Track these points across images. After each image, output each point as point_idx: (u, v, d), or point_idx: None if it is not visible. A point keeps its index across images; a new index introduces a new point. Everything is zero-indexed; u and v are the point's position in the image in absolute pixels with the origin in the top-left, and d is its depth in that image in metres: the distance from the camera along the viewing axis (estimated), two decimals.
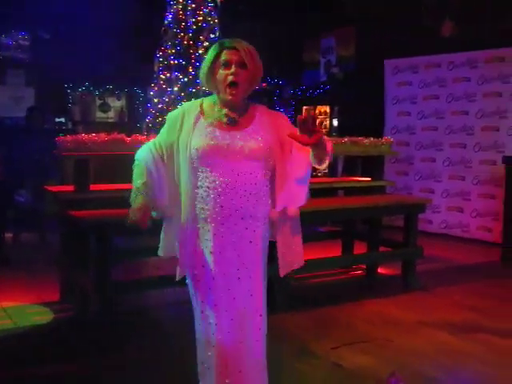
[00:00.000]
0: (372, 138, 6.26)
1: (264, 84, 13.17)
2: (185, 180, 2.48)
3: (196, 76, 8.57)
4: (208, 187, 2.44)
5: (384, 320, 4.77)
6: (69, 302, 4.89)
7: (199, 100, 2.61)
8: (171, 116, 2.58)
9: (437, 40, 8.99)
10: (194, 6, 8.68)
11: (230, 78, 2.43)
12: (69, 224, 4.78)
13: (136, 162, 2.55)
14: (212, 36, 8.77)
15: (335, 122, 11.44)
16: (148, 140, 5.37)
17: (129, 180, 2.51)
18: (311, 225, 6.81)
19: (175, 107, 2.76)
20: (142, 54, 9.41)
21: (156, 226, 2.53)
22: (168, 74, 8.62)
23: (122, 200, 2.68)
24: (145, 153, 2.55)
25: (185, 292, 2.65)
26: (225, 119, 2.48)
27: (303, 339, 4.26)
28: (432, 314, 4.95)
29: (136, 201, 2.43)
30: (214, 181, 2.43)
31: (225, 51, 2.46)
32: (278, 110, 12.57)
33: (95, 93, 11.94)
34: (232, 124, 2.47)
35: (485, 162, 8.23)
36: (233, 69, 2.43)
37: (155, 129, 8.37)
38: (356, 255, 6.27)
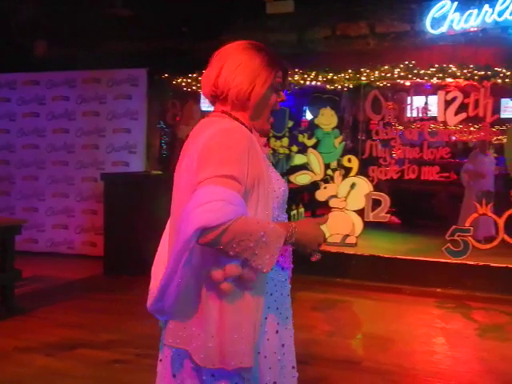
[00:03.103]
0: None
1: None
2: None
3: None
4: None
5: None
6: None
7: (230, 118, 1.84)
8: (245, 146, 1.72)
9: (36, 58, 8.93)
10: None
11: (277, 106, 1.93)
12: None
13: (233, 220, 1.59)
14: None
15: None
16: None
17: None
18: None
19: None
20: None
21: None
22: None
23: None
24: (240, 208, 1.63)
25: None
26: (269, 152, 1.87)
27: None
28: (29, 338, 4.85)
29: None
30: None
31: (281, 73, 1.90)
32: None
33: None
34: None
35: (86, 179, 8.46)
36: (283, 96, 1.93)
37: None
38: None
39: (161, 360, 1.88)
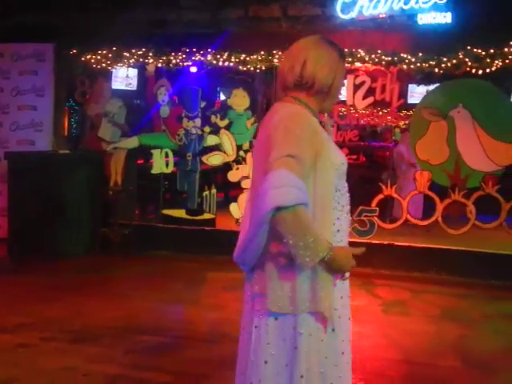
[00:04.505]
0: None
1: None
2: (322, 203, 2.12)
3: None
4: (343, 207, 2.22)
5: None
6: None
7: (298, 104, 2.20)
8: (305, 128, 2.10)
9: None
10: None
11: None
12: None
13: (302, 208, 1.98)
14: None
15: None
16: None
17: None
18: None
19: None
20: None
21: None
22: None
23: None
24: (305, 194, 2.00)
25: None
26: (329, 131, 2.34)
27: None
28: None
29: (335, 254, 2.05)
30: (348, 203, 2.27)
31: (344, 60, 2.29)
32: None
33: None
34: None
35: None
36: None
37: None
38: None
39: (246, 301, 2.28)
